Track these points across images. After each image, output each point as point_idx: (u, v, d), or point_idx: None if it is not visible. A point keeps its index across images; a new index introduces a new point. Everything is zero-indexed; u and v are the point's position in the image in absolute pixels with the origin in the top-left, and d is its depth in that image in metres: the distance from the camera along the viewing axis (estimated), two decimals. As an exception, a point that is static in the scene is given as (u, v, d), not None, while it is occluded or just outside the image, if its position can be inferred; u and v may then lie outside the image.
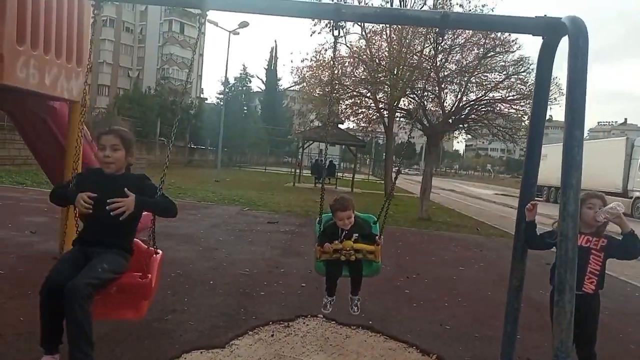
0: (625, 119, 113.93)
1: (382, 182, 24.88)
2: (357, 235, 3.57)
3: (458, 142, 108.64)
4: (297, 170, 26.40)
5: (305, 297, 5.11)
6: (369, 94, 16.89)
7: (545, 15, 3.09)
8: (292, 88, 36.52)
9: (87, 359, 2.55)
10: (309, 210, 13.11)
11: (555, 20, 3.00)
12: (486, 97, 13.92)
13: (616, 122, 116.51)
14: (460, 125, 15.23)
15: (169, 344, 3.58)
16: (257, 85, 58.68)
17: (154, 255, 3.10)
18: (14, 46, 3.22)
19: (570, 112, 2.74)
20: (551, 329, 2.85)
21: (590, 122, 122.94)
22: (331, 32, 3.05)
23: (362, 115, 18.47)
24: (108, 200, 2.81)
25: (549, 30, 3.06)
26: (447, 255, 8.62)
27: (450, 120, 14.29)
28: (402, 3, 20.79)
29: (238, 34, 27.40)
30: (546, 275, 3.34)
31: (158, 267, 3.11)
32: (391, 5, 20.46)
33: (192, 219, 9.76)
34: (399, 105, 16.93)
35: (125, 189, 2.84)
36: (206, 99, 53.15)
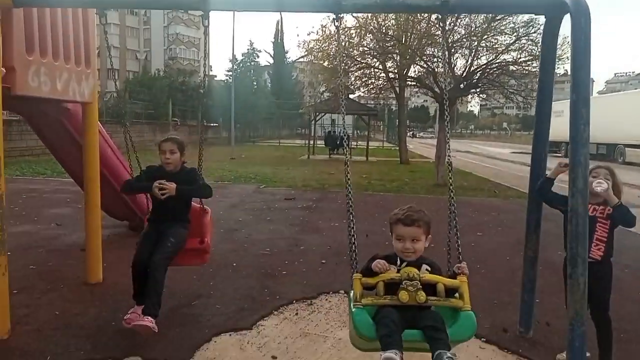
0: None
1: (397, 148, 24.82)
2: (428, 268, 2.43)
3: (471, 107, 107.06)
4: (311, 142, 26.30)
5: (325, 274, 5.25)
6: (377, 64, 16.70)
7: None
8: (300, 60, 36.24)
9: (153, 308, 3.35)
10: (324, 183, 13.22)
11: (556, 0, 2.98)
12: (497, 60, 13.69)
13: (633, 72, 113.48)
14: (473, 90, 15.03)
15: (198, 329, 3.75)
16: (265, 59, 58.32)
17: (205, 213, 4.01)
18: (24, 57, 3.29)
19: (576, 91, 2.75)
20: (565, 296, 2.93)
21: (606, 74, 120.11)
22: (332, 24, 3.06)
23: (372, 86, 18.31)
24: (157, 182, 3.64)
25: (551, 9, 3.08)
26: (464, 222, 8.66)
27: (462, 86, 14.12)
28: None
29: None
30: (565, 236, 3.40)
31: (210, 222, 4.05)
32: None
33: (211, 200, 9.79)
34: (409, 74, 16.74)
35: (165, 181, 3.67)
36: (215, 76, 53.09)
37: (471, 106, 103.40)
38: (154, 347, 3.39)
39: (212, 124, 39.98)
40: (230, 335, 3.69)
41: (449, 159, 2.94)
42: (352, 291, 2.35)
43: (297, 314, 4.17)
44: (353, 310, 2.29)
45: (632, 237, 7.79)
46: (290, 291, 4.67)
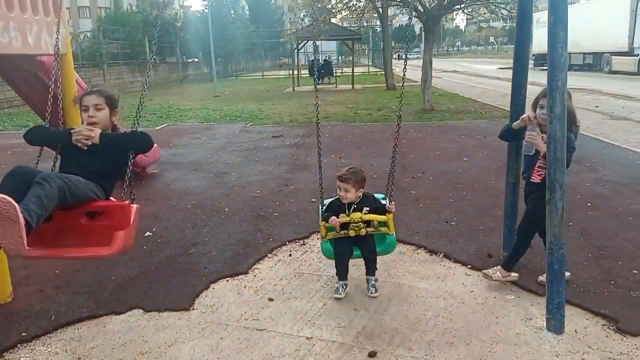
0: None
1: (383, 72, 24.41)
2: (367, 209, 3.42)
3: (457, 23, 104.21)
4: (295, 72, 25.67)
5: (316, 212, 5.22)
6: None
7: None
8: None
9: (29, 215, 2.20)
10: (311, 117, 13.08)
11: None
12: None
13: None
14: (457, 6, 14.61)
15: (195, 277, 3.87)
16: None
17: (130, 207, 2.68)
18: (-10, 12, 3.14)
19: (553, 12, 2.69)
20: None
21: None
22: None
23: (354, 8, 17.70)
24: (74, 128, 2.83)
25: None
26: (451, 147, 8.76)
27: (445, 2, 13.71)
28: None
29: None
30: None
31: (135, 218, 2.67)
32: None
33: (197, 144, 9.89)
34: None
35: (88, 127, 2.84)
36: (190, 7, 50.91)
37: (456, 22, 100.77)
38: (154, 299, 3.52)
39: (191, 60, 38.84)
40: (227, 281, 3.83)
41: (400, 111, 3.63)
42: (320, 233, 3.54)
43: (290, 255, 4.31)
44: (321, 243, 3.55)
45: (615, 152, 7.96)
46: (282, 232, 4.79)
